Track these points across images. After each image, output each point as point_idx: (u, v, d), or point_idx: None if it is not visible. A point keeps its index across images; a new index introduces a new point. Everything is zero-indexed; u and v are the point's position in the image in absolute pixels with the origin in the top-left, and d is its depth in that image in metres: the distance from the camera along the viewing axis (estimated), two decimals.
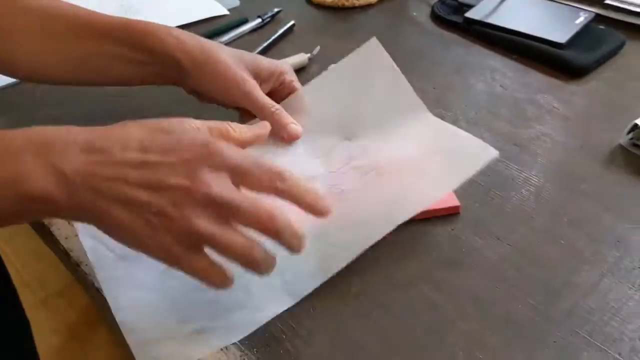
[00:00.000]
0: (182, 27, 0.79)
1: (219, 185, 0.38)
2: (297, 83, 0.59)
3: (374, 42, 0.60)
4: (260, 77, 0.56)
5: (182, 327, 0.45)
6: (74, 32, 0.55)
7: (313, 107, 0.58)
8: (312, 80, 0.60)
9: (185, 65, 0.53)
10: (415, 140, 0.55)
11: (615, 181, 0.56)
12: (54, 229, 0.53)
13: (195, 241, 0.38)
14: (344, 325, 0.45)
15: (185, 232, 0.37)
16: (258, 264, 0.40)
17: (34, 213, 0.39)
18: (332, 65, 0.62)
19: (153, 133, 0.39)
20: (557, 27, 0.74)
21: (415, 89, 0.67)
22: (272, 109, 0.54)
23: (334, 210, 0.45)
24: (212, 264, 0.40)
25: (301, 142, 0.56)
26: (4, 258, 0.71)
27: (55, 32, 0.55)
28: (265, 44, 0.77)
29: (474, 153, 0.52)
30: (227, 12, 0.84)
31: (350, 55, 0.60)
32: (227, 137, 0.43)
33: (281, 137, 0.55)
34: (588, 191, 0.55)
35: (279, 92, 0.58)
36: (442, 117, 0.63)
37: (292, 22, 0.81)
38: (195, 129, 0.41)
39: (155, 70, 0.55)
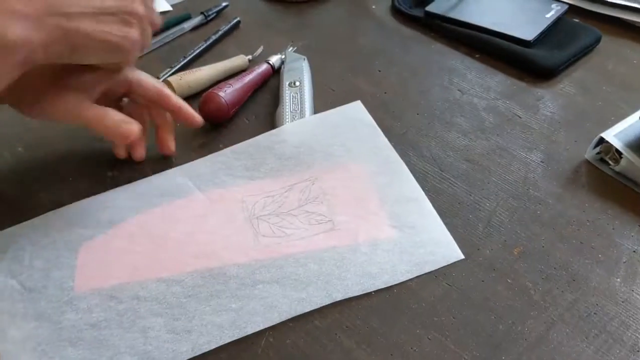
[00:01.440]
0: None
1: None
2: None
3: (358, 104, 0.59)
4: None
5: None
6: None
7: (283, 146, 0.54)
8: (287, 124, 0.56)
9: None
10: (383, 205, 0.50)
11: (576, 205, 0.50)
12: None
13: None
14: None
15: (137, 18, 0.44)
16: None
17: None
18: (311, 115, 0.57)
19: None
20: (525, 23, 0.67)
21: (364, 92, 0.61)
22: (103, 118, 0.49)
23: (272, 255, 0.45)
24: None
25: (265, 177, 0.52)
26: None
27: None
28: (205, 45, 0.69)
29: (437, 248, 0.46)
30: (170, 8, 0.77)
31: (331, 110, 0.58)
32: None
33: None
34: (544, 217, 0.49)
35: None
36: (390, 128, 0.57)
37: (237, 19, 0.73)
38: None
39: None
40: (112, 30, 0.42)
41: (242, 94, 0.60)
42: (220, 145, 0.56)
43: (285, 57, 0.65)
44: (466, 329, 0.41)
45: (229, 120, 0.59)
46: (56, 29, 0.39)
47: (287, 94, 0.59)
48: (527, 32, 0.65)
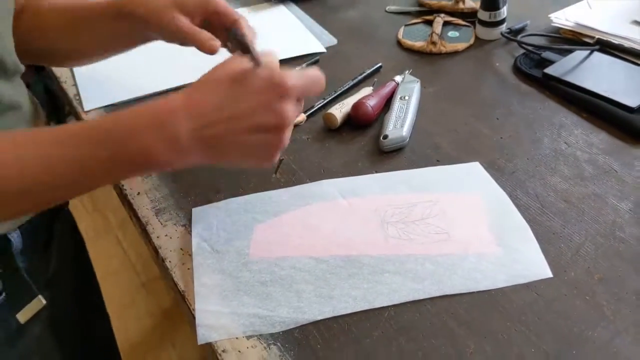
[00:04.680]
0: (285, 60, 0.90)
1: (292, 113, 0.51)
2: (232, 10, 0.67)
3: (476, 165, 0.70)
4: (187, 11, 0.64)
5: (240, 309, 0.55)
6: (92, 21, 0.68)
7: (412, 178, 0.69)
8: (417, 170, 0.70)
9: (146, 19, 0.65)
10: (491, 227, 0.62)
11: None
12: (148, 227, 0.64)
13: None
14: (371, 346, 0.52)
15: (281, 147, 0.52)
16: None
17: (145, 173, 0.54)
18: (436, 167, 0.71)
19: (233, 87, 0.50)
20: (631, 91, 0.77)
21: (484, 136, 0.73)
22: (194, 34, 0.63)
23: (397, 252, 0.59)
24: None
25: (396, 196, 0.67)
26: (116, 241, 0.85)
27: (78, 24, 0.69)
28: (352, 83, 0.85)
29: (531, 266, 0.58)
30: (324, 50, 0.94)
31: (452, 165, 0.71)
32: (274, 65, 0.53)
33: (204, 51, 0.64)
34: (625, 254, 0.59)
35: (218, 20, 0.66)
36: (503, 167, 0.69)
37: (379, 65, 0.88)
38: (258, 74, 0.50)
39: (139, 36, 0.69)
40: (253, 154, 0.52)
41: (380, 102, 0.79)
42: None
43: (403, 78, 0.82)
44: (546, 328, 0.52)
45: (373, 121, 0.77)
46: (198, 157, 0.51)
47: (397, 104, 0.77)
48: (632, 99, 0.75)
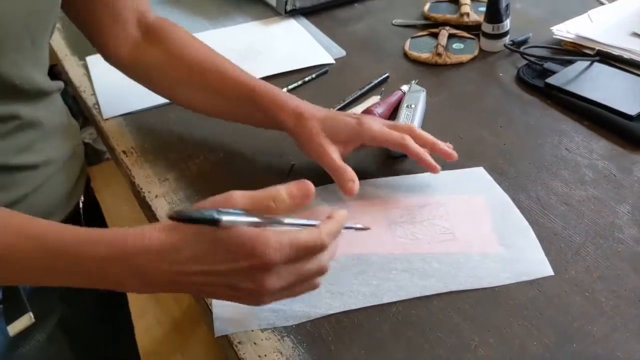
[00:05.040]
0: (294, 71, 0.93)
1: (274, 283, 0.47)
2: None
3: (480, 169, 0.73)
4: (338, 140, 0.67)
5: None
6: (223, 91, 0.72)
7: (416, 181, 0.72)
8: (424, 174, 0.72)
9: (288, 128, 0.69)
10: (494, 228, 0.65)
11: None
12: None
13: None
14: (381, 339, 0.55)
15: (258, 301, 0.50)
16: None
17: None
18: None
19: (215, 243, 0.46)
20: (630, 100, 0.80)
21: (487, 142, 0.76)
22: (337, 170, 0.66)
23: (404, 251, 0.61)
24: None
25: (405, 199, 0.69)
26: None
27: (207, 86, 0.73)
28: (360, 92, 0.88)
29: (533, 264, 0.61)
30: (333, 61, 0.97)
31: (457, 170, 0.73)
32: (271, 211, 0.48)
33: (341, 188, 0.66)
34: (624, 254, 0.61)
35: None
36: (505, 172, 0.72)
37: (386, 75, 0.92)
38: (245, 239, 0.46)
39: (272, 124, 0.71)
40: (234, 300, 0.50)
41: (387, 110, 0.82)
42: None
43: (410, 87, 0.85)
44: (547, 322, 0.55)
45: None
46: (166, 290, 0.50)
47: (404, 112, 0.80)
48: (631, 107, 0.78)
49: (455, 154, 0.69)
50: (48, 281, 0.52)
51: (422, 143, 0.68)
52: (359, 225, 0.59)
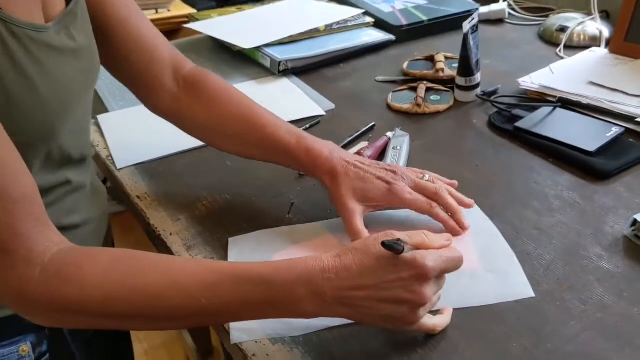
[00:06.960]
0: (292, 122, 1.02)
1: (430, 292, 0.56)
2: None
3: (476, 209, 0.80)
4: (367, 200, 0.73)
5: None
6: (260, 145, 0.78)
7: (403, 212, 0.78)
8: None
9: (323, 184, 0.76)
10: (481, 256, 0.72)
11: (614, 263, 0.70)
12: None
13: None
14: (379, 348, 0.62)
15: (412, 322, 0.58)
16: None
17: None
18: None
19: (378, 261, 0.55)
20: (590, 138, 0.90)
21: (465, 180, 0.85)
22: (355, 235, 0.71)
23: None
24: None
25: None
26: None
27: (244, 139, 0.79)
28: (348, 140, 0.98)
29: (516, 287, 0.68)
30: (324, 113, 1.07)
31: None
32: (424, 245, 0.58)
33: None
34: (589, 268, 0.70)
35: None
36: (482, 204, 0.81)
37: (373, 124, 1.02)
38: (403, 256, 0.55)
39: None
40: (387, 321, 0.57)
41: (376, 152, 0.92)
42: None
43: (394, 133, 0.95)
44: (525, 326, 0.63)
45: None
46: (337, 313, 0.57)
47: (391, 153, 0.90)
48: (591, 144, 0.88)
49: (466, 229, 0.75)
50: (244, 313, 0.58)
51: (446, 210, 0.75)
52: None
